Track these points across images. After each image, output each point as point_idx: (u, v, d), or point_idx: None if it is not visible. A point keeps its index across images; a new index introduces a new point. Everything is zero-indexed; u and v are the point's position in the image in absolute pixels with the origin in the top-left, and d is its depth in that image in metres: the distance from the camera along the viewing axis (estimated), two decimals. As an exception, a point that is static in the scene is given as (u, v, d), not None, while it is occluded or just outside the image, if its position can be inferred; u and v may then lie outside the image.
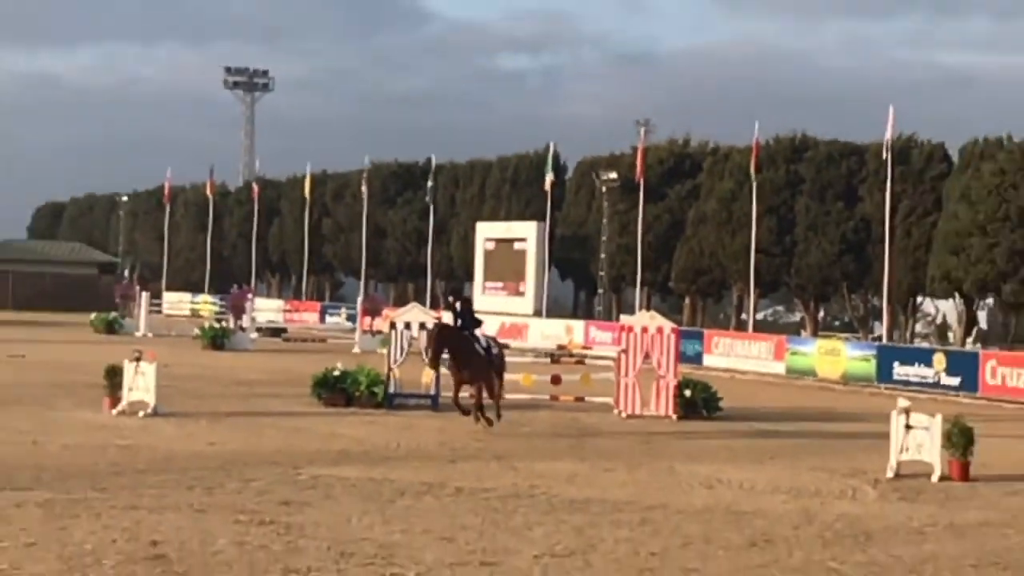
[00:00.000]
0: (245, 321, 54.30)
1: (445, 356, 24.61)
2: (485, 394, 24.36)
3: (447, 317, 26.11)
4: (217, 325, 52.79)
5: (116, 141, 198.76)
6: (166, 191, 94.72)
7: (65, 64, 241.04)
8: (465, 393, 24.71)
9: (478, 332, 24.81)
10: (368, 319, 54.17)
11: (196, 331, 52.25)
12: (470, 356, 24.05)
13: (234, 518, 14.52)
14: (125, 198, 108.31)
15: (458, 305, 25.48)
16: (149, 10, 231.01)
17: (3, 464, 18.15)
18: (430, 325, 29.94)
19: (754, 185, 54.16)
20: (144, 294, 62.60)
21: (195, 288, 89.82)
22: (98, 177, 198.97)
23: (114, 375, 25.33)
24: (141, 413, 24.60)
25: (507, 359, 31.29)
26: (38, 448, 20.02)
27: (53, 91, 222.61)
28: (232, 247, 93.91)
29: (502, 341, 30.54)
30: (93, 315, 62.04)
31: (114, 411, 24.83)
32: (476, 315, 26.10)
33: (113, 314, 61.35)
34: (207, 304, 79.86)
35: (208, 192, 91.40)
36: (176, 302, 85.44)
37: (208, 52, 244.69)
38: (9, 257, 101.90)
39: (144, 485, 16.72)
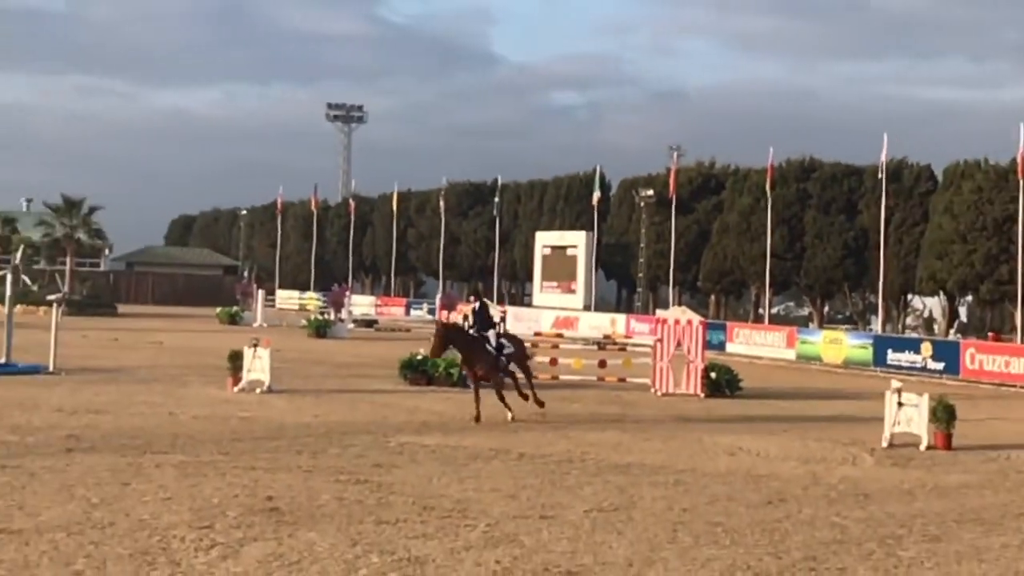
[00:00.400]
0: (343, 314, 54.65)
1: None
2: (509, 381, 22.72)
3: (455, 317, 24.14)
4: (320, 317, 53.10)
5: (237, 164, 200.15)
6: (278, 206, 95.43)
7: (196, 100, 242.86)
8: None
9: (491, 333, 22.28)
10: (445, 312, 54.25)
11: (303, 322, 52.54)
12: (476, 353, 21.88)
13: (335, 477, 14.58)
14: (244, 212, 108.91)
15: (477, 305, 22.99)
16: (265, 56, 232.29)
17: (144, 431, 18.31)
18: (496, 318, 30.00)
19: (769, 200, 54.01)
20: (260, 292, 63.06)
21: (302, 286, 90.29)
22: (222, 194, 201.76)
23: (236, 358, 25.49)
24: (258, 390, 24.74)
25: (562, 346, 31.38)
26: (173, 419, 20.17)
27: (186, 123, 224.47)
28: (332, 252, 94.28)
29: (564, 331, 30.13)
30: (218, 309, 62.52)
31: (236, 388, 24.97)
32: (491, 318, 23.22)
33: (235, 308, 61.79)
34: (312, 300, 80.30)
35: (313, 207, 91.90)
36: (286, 298, 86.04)
37: (313, 90, 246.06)
38: (149, 261, 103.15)
39: (261, 450, 16.82)
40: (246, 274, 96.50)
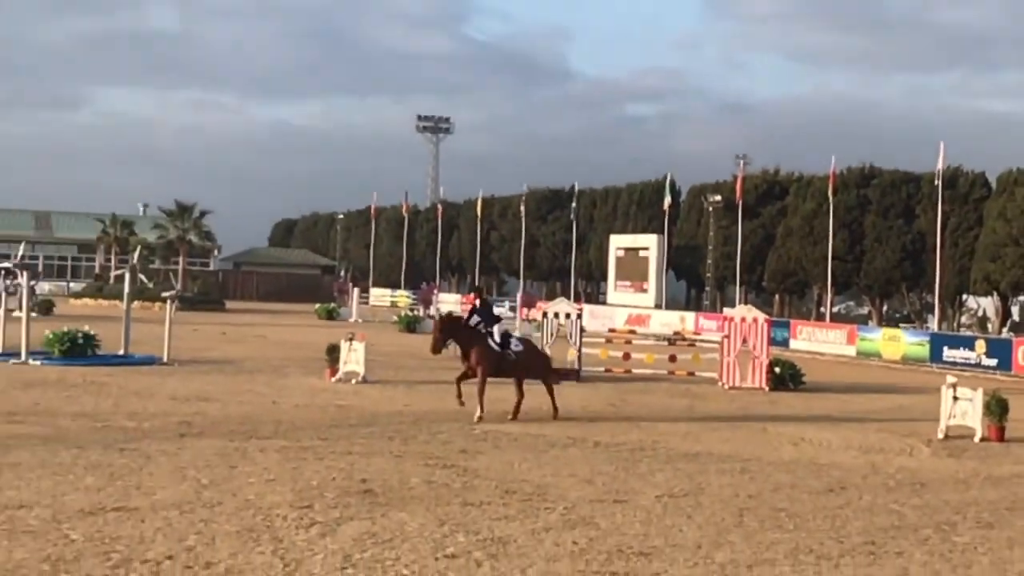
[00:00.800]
0: (431, 310, 54.89)
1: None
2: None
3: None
4: (410, 313, 53.36)
5: (334, 172, 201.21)
6: (372, 211, 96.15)
7: (297, 113, 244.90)
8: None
9: (495, 328, 20.13)
10: (526, 309, 54.33)
11: (394, 318, 52.83)
12: (473, 346, 19.90)
13: (424, 462, 14.65)
14: (341, 216, 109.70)
15: (477, 303, 20.95)
16: (361, 72, 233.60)
17: (250, 419, 18.52)
18: (574, 315, 29.94)
19: (831, 206, 53.54)
20: (355, 289, 63.48)
21: (394, 285, 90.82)
22: (321, 199, 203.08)
23: (333, 351, 25.68)
24: (353, 381, 24.91)
25: (634, 342, 31.26)
26: (276, 407, 20.36)
27: (288, 134, 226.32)
28: (422, 254, 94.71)
29: (636, 328, 29.92)
30: (317, 305, 63.06)
31: (333, 379, 25.16)
32: (495, 314, 21.06)
33: (332, 305, 62.32)
34: (403, 297, 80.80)
35: (404, 212, 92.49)
36: (379, 296, 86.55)
37: (404, 104, 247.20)
38: (254, 261, 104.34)
39: (356, 436, 16.94)
40: (342, 273, 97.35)
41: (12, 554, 9.29)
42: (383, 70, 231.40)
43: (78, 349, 27.67)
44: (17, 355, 26.96)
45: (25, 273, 30.94)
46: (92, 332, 28.31)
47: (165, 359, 28.29)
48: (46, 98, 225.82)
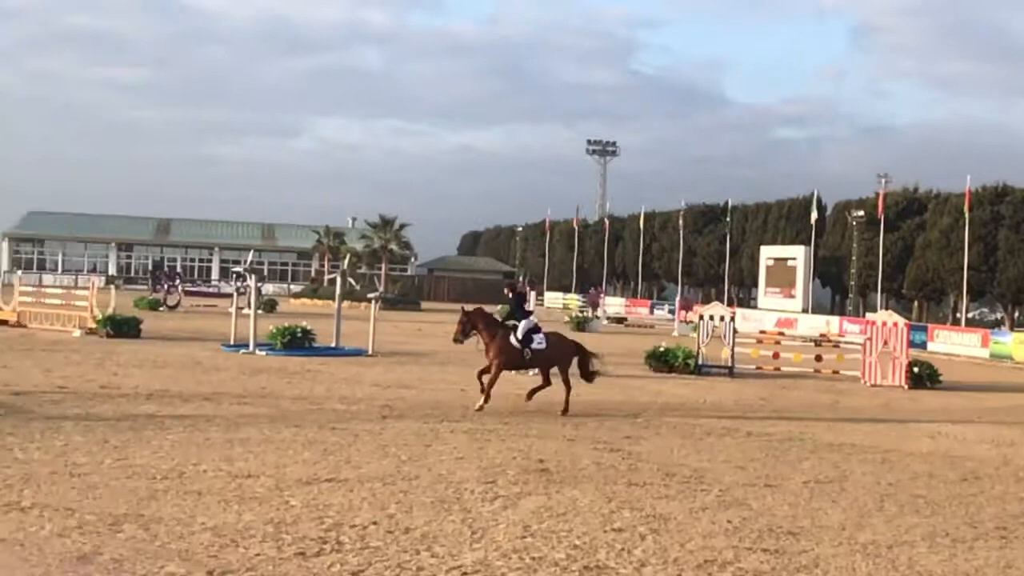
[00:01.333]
0: (599, 312, 54.78)
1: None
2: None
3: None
4: (580, 314, 53.36)
5: (514, 190, 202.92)
6: (547, 224, 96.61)
7: (482, 138, 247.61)
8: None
9: (522, 324, 18.71)
10: (683, 312, 53.73)
11: (566, 318, 52.90)
12: (492, 338, 18.52)
13: (593, 446, 14.63)
14: (520, 228, 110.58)
15: (511, 296, 19.88)
16: (538, 102, 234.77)
17: (441, 404, 18.78)
18: (727, 318, 29.49)
19: (966, 220, 51.64)
20: (532, 293, 63.80)
21: (565, 289, 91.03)
22: (503, 214, 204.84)
23: (513, 347, 25.72)
24: (531, 372, 24.87)
25: (783, 342, 30.60)
26: (464, 394, 20.59)
27: (474, 156, 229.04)
28: (590, 262, 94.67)
29: (784, 330, 29.19)
30: (499, 307, 63.49)
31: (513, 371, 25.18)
32: (526, 307, 19.75)
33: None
34: (573, 300, 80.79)
35: (575, 225, 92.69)
36: (552, 299, 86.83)
37: (575, 129, 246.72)
38: (445, 267, 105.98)
39: (533, 421, 17.00)
40: (521, 279, 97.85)
41: (242, 516, 9.62)
42: (557, 100, 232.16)
43: (297, 342, 28.41)
44: (246, 346, 27.92)
45: (253, 276, 32.01)
46: (309, 327, 29.02)
47: (370, 351, 28.88)
48: (272, 127, 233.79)
